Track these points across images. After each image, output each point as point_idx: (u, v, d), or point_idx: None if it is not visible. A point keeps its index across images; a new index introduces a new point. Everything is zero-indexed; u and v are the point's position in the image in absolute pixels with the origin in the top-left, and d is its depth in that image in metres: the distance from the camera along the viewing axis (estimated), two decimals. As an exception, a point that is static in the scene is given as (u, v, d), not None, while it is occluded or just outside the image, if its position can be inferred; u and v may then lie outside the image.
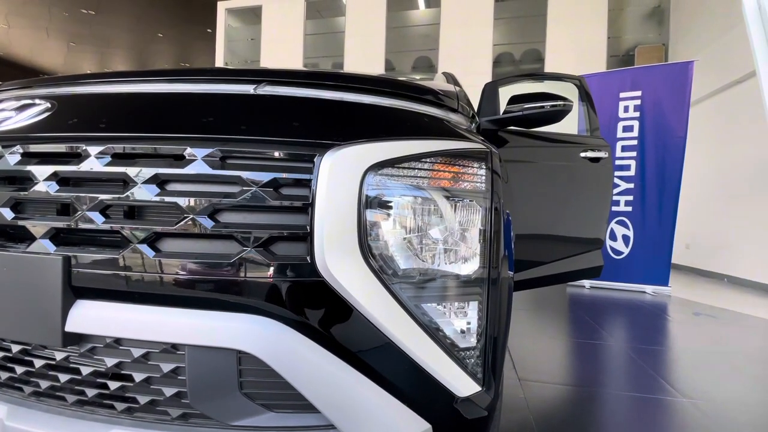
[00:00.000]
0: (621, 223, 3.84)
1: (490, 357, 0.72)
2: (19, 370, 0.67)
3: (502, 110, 1.78)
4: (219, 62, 8.79)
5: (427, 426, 0.64)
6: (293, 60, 8.25)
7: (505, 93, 1.97)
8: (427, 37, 7.70)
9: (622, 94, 3.82)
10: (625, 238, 3.83)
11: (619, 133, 3.83)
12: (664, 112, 3.69)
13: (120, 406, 0.63)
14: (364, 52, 7.92)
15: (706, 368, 1.94)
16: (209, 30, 9.98)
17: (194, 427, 0.61)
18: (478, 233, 0.70)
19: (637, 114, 3.76)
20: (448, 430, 0.66)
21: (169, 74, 0.72)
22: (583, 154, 2.09)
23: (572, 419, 1.37)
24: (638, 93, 3.76)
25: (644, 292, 3.85)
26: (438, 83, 1.08)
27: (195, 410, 0.60)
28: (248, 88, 0.70)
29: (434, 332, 0.65)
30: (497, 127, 1.74)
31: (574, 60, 6.84)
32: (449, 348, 0.67)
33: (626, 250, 3.83)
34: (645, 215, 3.76)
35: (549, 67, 7.00)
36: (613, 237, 3.86)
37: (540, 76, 2.25)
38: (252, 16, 8.85)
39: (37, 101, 0.71)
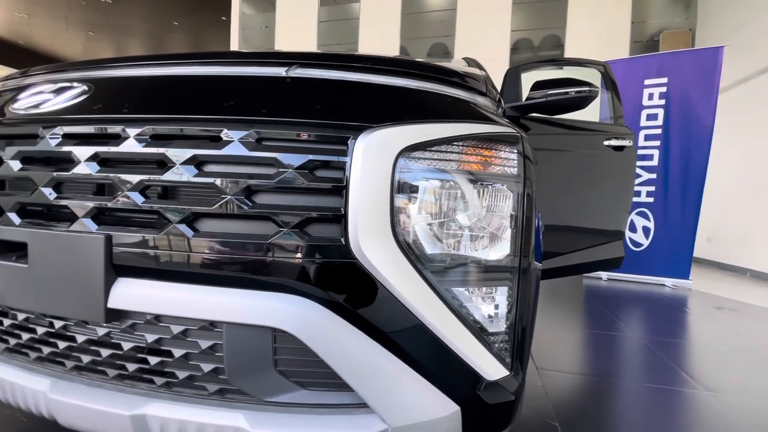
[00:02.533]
0: (641, 214, 3.76)
1: (517, 343, 0.72)
2: (62, 345, 0.69)
3: (523, 96, 1.74)
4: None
5: (456, 408, 0.65)
6: (307, 47, 8.20)
7: (527, 79, 1.93)
8: (443, 23, 7.55)
9: (647, 81, 3.70)
10: (646, 230, 3.75)
11: (643, 122, 3.72)
12: (691, 100, 3.56)
13: (159, 380, 0.65)
14: (379, 39, 7.82)
15: (728, 361, 1.91)
16: (224, 18, 9.97)
17: (230, 403, 0.63)
18: (510, 219, 0.69)
19: (662, 102, 3.64)
20: (475, 413, 0.67)
21: (202, 57, 0.72)
22: (606, 143, 2.04)
23: (591, 408, 1.37)
24: (664, 80, 3.63)
25: (664, 285, 3.78)
26: (464, 68, 1.06)
27: (231, 386, 0.62)
28: (280, 71, 0.70)
29: (464, 316, 0.65)
30: (519, 113, 1.71)
31: (596, 46, 6.63)
32: (478, 332, 0.67)
33: (646, 242, 3.75)
34: (667, 207, 3.66)
35: (569, 54, 6.80)
36: (633, 228, 3.78)
37: (563, 61, 2.19)
38: (266, 3, 8.79)
39: (75, 84, 0.72)
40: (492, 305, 0.68)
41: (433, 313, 0.62)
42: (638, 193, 3.71)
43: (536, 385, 1.51)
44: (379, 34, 7.85)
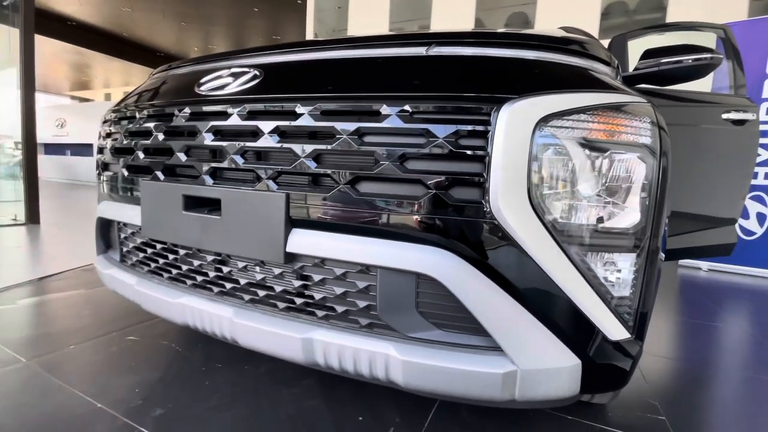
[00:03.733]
0: (757, 198, 3.31)
1: (640, 309, 0.75)
2: (242, 281, 0.87)
3: (629, 65, 1.64)
4: (309, 33, 9.10)
5: (578, 361, 0.70)
6: (380, 26, 8.20)
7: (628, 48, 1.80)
8: (523, -10, 7.06)
9: (775, 45, 3.18)
10: (760, 217, 3.31)
11: (766, 93, 3.23)
12: (832, 65, 3.00)
13: (320, 313, 0.79)
14: (452, 12, 7.56)
15: None
16: (299, 1, 10.33)
17: (378, 335, 0.75)
18: (641, 188, 0.71)
19: (794, 68, 3.12)
20: (595, 368, 0.72)
21: (351, 41, 0.83)
22: (725, 116, 1.84)
23: (690, 391, 1.33)
24: (798, 43, 3.09)
25: (777, 279, 3.34)
26: (585, 38, 1.05)
27: (380, 321, 0.74)
28: (421, 50, 0.78)
29: (591, 278, 0.70)
30: (626, 84, 1.62)
31: (706, 7, 5.75)
32: (604, 295, 0.71)
33: (760, 231, 3.31)
34: (791, 191, 3.18)
35: (672, 18, 6.00)
36: (745, 214, 3.36)
37: (677, 26, 1.98)
38: (340, -17, 8.89)
39: (248, 69, 0.87)
40: (619, 271, 0.72)
41: (562, 273, 0.68)
42: (755, 175, 3.26)
43: (630, 364, 1.49)
44: (453, 7, 7.59)
